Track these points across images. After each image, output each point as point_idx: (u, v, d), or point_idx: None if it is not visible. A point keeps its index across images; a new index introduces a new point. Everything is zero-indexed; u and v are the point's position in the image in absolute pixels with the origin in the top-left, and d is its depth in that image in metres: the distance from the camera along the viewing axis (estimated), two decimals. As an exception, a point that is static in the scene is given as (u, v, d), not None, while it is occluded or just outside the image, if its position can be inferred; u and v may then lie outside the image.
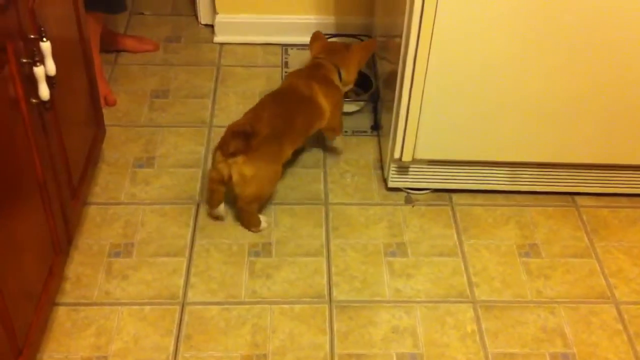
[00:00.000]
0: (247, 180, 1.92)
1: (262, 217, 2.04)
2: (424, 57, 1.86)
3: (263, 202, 2.07)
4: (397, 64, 1.96)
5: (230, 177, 1.92)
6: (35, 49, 1.48)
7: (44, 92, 1.51)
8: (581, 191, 2.18)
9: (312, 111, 2.10)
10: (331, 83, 2.17)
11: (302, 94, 2.09)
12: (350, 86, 2.31)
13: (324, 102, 2.12)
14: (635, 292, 1.92)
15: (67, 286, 1.85)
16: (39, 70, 1.48)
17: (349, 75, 2.24)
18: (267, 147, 1.94)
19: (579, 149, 2.06)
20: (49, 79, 1.53)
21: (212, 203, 2.02)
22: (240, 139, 1.89)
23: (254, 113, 2.00)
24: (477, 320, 1.84)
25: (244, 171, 1.91)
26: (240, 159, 1.90)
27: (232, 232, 2.03)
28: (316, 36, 2.32)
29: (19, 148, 1.49)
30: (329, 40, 2.42)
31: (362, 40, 2.61)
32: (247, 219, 2.03)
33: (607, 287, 1.93)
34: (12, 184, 1.45)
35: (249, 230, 2.03)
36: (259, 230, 2.03)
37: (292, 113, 2.04)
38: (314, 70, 2.18)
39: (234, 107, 2.46)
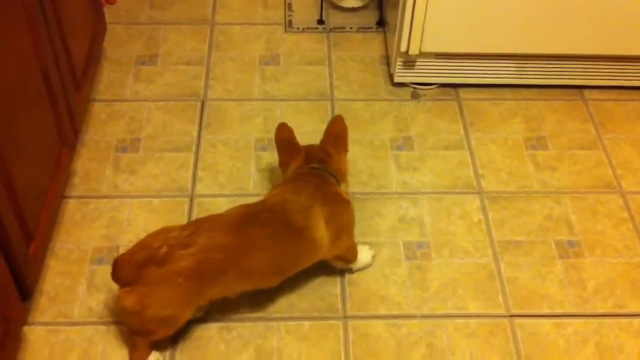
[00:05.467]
0: (129, 314, 1.46)
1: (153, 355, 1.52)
2: (432, -58, 1.81)
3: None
4: (404, -49, 1.91)
5: None
6: None
7: (41, -25, 1.48)
8: (588, 84, 2.16)
9: (297, 248, 1.56)
10: (339, 200, 1.61)
11: (291, 222, 1.52)
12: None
13: (324, 233, 1.55)
14: (642, 183, 1.93)
15: (76, 180, 1.86)
16: (34, -48, 1.46)
17: (346, 185, 1.73)
18: (168, 286, 1.42)
19: (586, 40, 2.02)
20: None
21: None
22: (128, 268, 1.42)
23: (189, 233, 1.45)
24: (484, 210, 1.85)
25: (125, 303, 1.44)
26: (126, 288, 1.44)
27: (238, 128, 2.02)
28: (288, 139, 1.70)
29: (20, 36, 1.47)
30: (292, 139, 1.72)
31: None
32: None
33: (614, 177, 1.94)
34: (14, 74, 1.43)
35: None
36: None
37: (253, 248, 1.49)
38: (319, 186, 1.59)
39: (236, 3, 2.40)
